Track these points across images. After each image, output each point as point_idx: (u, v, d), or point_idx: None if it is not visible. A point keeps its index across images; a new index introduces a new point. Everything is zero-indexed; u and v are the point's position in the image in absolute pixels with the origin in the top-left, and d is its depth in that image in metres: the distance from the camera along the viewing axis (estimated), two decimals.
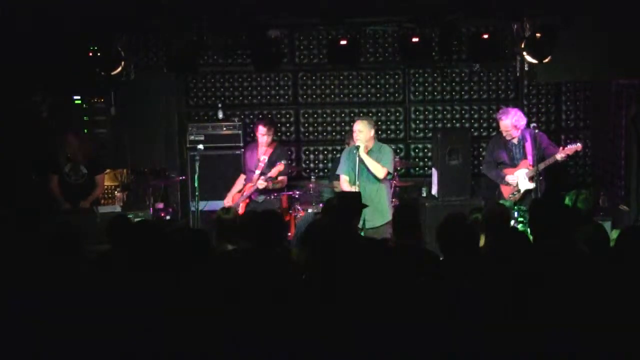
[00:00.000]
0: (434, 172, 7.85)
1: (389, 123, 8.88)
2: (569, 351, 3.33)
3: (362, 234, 6.16)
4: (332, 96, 8.88)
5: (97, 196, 7.58)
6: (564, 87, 8.66)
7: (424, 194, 8.11)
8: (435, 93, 8.83)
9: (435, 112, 8.86)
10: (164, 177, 8.49)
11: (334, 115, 8.92)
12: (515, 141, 7.41)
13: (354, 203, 5.45)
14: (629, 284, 3.66)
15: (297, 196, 8.02)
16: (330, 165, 8.67)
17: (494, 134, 8.31)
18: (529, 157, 7.26)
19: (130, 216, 6.35)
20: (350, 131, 7.41)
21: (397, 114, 8.89)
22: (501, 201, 7.18)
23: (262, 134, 7.54)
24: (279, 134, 8.59)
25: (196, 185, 7.39)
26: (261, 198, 7.54)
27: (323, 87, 8.87)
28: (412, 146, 8.92)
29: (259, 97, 8.90)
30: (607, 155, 8.23)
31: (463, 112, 8.84)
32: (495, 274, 3.88)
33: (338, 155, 7.96)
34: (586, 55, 7.14)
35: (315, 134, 8.95)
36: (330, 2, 7.10)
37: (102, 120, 8.33)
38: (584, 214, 7.18)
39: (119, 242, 4.67)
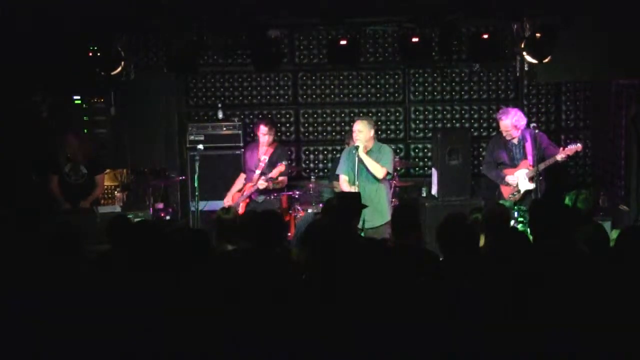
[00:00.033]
0: (434, 172, 7.85)
1: (389, 123, 8.88)
2: (569, 351, 3.33)
3: (362, 234, 6.16)
4: (332, 96, 8.88)
5: (97, 196, 7.58)
6: (564, 87, 8.66)
7: (424, 194, 8.11)
8: (435, 93, 8.83)
9: (435, 112, 8.86)
10: (164, 177, 8.49)
11: (334, 115, 8.92)
12: (515, 141, 7.41)
13: (353, 203, 5.45)
14: (629, 284, 3.66)
15: (297, 196, 8.02)
16: (330, 165, 8.67)
17: (494, 134, 8.30)
18: (529, 157, 7.26)
19: (130, 216, 6.35)
20: (350, 131, 7.41)
21: (397, 114, 8.89)
22: (501, 201, 7.19)
23: (264, 134, 7.53)
24: (278, 134, 8.59)
25: (196, 185, 7.39)
26: (261, 198, 7.54)
27: (323, 87, 8.87)
28: (412, 146, 8.92)
29: (259, 97, 8.90)
30: (607, 155, 8.23)
31: (463, 112, 8.84)
32: (495, 274, 3.88)
33: (338, 155, 7.96)
34: (586, 55, 7.14)
35: (315, 134, 8.95)
36: (330, 2, 7.10)
37: (102, 120, 8.33)
38: (584, 214, 7.17)
39: (119, 242, 4.67)
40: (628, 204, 7.52)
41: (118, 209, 7.42)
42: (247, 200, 7.53)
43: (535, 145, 7.08)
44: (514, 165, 7.41)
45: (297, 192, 8.04)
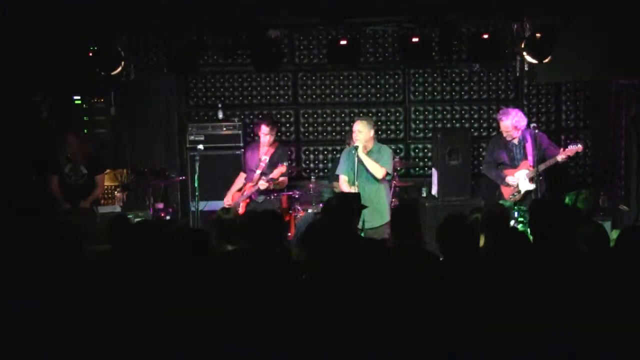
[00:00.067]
0: (434, 172, 7.85)
1: (389, 123, 8.88)
2: (569, 351, 3.34)
3: (362, 234, 6.16)
4: (332, 96, 8.88)
5: (97, 196, 7.58)
6: (564, 87, 8.66)
7: (424, 194, 8.11)
8: (435, 93, 8.83)
9: (435, 112, 8.86)
10: (164, 177, 8.49)
11: (334, 115, 8.92)
12: (515, 142, 7.40)
13: (353, 204, 5.45)
14: (629, 284, 3.66)
15: (297, 196, 8.02)
16: (330, 165, 8.67)
17: (494, 134, 8.30)
18: (530, 157, 7.25)
19: (130, 216, 6.36)
20: (350, 131, 7.41)
21: (397, 114, 8.89)
22: (501, 201, 7.18)
23: (265, 134, 7.53)
24: (279, 134, 8.59)
25: (196, 185, 7.39)
26: (261, 198, 7.53)
27: (323, 87, 8.87)
28: (412, 146, 8.92)
29: (259, 97, 8.90)
30: (607, 155, 8.24)
31: (463, 112, 8.84)
32: (495, 274, 3.88)
33: (338, 156, 7.96)
34: (586, 55, 7.14)
35: (315, 134, 8.95)
36: (330, 2, 7.10)
37: (102, 120, 8.33)
38: (584, 214, 7.18)
39: (119, 242, 4.67)
40: (628, 204, 7.53)
41: (118, 209, 7.42)
42: (247, 200, 7.53)
43: (536, 146, 7.07)
44: (514, 165, 7.40)
45: (297, 192, 8.04)
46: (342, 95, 8.88)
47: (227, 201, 7.53)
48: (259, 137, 7.66)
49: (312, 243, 4.18)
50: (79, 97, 8.29)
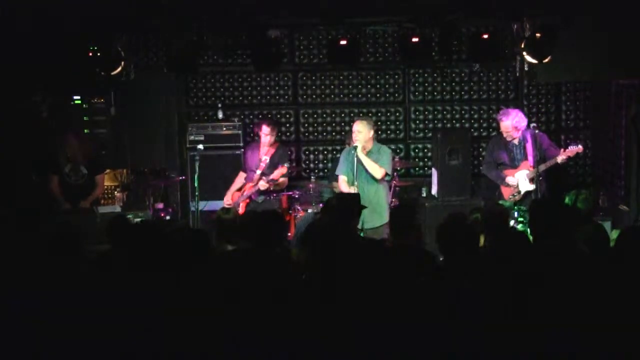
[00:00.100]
0: (434, 172, 7.85)
1: (389, 123, 8.88)
2: (569, 351, 3.34)
3: (361, 234, 6.15)
4: (332, 96, 8.88)
5: (97, 196, 7.58)
6: (564, 87, 8.65)
7: (424, 194, 8.11)
8: (435, 93, 8.83)
9: (435, 112, 8.86)
10: (164, 177, 8.49)
11: (334, 115, 8.91)
12: (516, 142, 7.39)
13: (353, 204, 5.45)
14: (629, 284, 3.66)
15: (297, 196, 8.02)
16: (330, 165, 8.67)
17: (494, 134, 8.30)
18: (530, 158, 7.24)
19: (130, 216, 6.36)
20: (350, 131, 7.41)
21: (397, 114, 8.89)
22: (501, 201, 7.18)
23: (266, 134, 7.52)
24: (279, 134, 8.59)
25: (196, 185, 7.39)
26: (261, 198, 7.53)
27: (323, 87, 8.87)
28: (412, 146, 8.92)
29: (259, 97, 8.90)
30: (607, 155, 8.24)
31: (463, 112, 8.83)
32: (495, 274, 3.88)
33: (338, 156, 7.95)
34: (586, 55, 7.14)
35: (315, 134, 8.95)
36: (330, 2, 7.10)
37: (102, 120, 8.32)
38: (584, 214, 7.17)
39: (119, 242, 4.67)
40: (628, 204, 7.53)
41: (118, 209, 7.42)
42: (247, 200, 7.53)
43: (536, 146, 7.07)
44: (514, 166, 7.40)
45: (297, 192, 8.04)
46: (342, 95, 8.88)
47: (227, 201, 7.53)
48: (259, 137, 7.65)
49: (312, 243, 4.19)
50: (79, 97, 8.28)
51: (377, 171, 6.91)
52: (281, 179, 7.46)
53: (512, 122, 7.28)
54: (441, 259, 4.44)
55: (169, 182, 8.40)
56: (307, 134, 8.95)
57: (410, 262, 4.33)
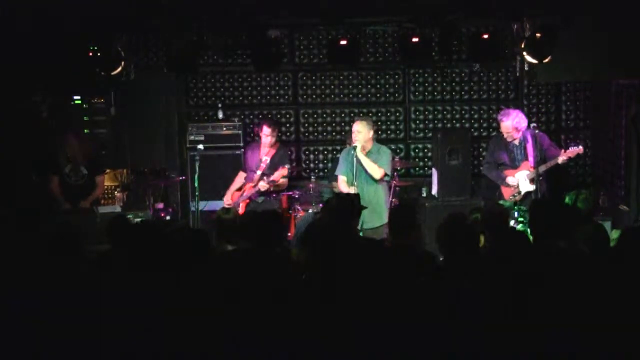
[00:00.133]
0: (434, 172, 7.85)
1: (389, 123, 8.87)
2: (569, 351, 3.34)
3: (360, 234, 6.15)
4: (332, 96, 8.88)
5: (97, 196, 7.58)
6: (564, 87, 8.65)
7: (424, 194, 8.11)
8: (435, 93, 8.83)
9: (435, 112, 8.86)
10: (164, 177, 8.49)
11: (334, 115, 8.91)
12: (516, 142, 7.39)
13: (353, 205, 5.45)
14: (629, 284, 3.66)
15: (297, 196, 8.01)
16: (330, 165, 8.67)
17: (494, 134, 8.30)
18: (530, 158, 7.23)
19: (130, 216, 6.36)
20: (350, 131, 7.40)
21: (397, 114, 8.89)
22: (501, 202, 7.18)
23: (266, 135, 7.51)
24: (279, 134, 8.58)
25: (196, 185, 7.39)
26: (261, 198, 7.52)
27: (323, 87, 8.87)
28: (412, 146, 8.92)
29: (259, 97, 8.89)
30: (607, 155, 8.23)
31: (463, 112, 8.83)
32: (495, 274, 3.88)
33: (338, 155, 7.95)
34: (586, 55, 7.14)
35: (315, 134, 8.95)
36: (330, 2, 7.10)
37: (102, 120, 8.32)
38: (584, 214, 7.17)
39: (119, 242, 4.67)
40: (628, 204, 7.52)
41: (118, 209, 7.41)
42: (247, 200, 7.52)
43: (536, 146, 7.06)
44: (514, 166, 7.39)
45: (297, 192, 8.03)
46: (342, 95, 8.88)
47: (227, 200, 7.52)
48: (259, 136, 7.65)
49: (312, 243, 4.19)
50: (79, 97, 8.28)
51: (376, 171, 6.90)
52: (281, 180, 7.45)
53: (513, 123, 7.28)
54: (441, 259, 4.44)
55: (169, 182, 8.40)
56: (307, 134, 8.95)
57: (410, 262, 4.33)
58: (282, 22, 7.77)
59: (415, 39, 7.34)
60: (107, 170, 8.07)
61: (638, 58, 6.93)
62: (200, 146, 7.73)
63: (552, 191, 7.45)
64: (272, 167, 7.40)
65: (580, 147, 7.21)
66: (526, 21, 7.21)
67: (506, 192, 7.39)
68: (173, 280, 3.84)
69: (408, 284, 3.80)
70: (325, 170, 8.77)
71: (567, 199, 7.44)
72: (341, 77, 8.84)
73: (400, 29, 7.68)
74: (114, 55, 7.43)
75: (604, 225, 6.09)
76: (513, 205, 7.03)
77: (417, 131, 8.90)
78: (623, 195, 7.72)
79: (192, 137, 8.37)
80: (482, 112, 8.83)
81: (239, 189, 7.64)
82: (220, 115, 8.67)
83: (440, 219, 4.49)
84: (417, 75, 8.81)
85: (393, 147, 8.43)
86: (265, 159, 7.43)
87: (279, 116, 8.87)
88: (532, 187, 7.15)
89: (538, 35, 7.05)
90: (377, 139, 7.42)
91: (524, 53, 7.22)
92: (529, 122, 7.59)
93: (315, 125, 8.93)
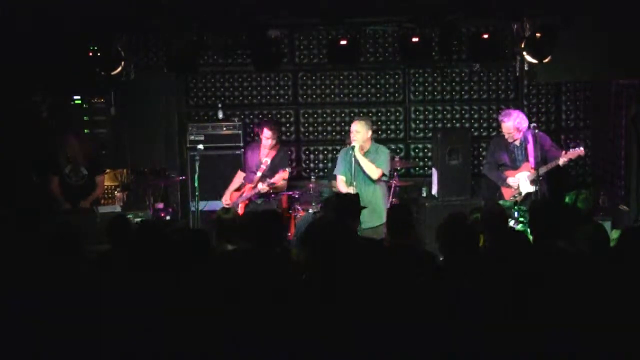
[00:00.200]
0: (434, 172, 7.85)
1: (389, 123, 8.87)
2: (569, 351, 3.34)
3: (359, 234, 6.15)
4: (332, 96, 8.87)
5: (97, 196, 7.58)
6: (564, 87, 8.65)
7: (424, 194, 8.11)
8: (435, 93, 8.83)
9: (435, 112, 8.85)
10: (164, 177, 8.48)
11: (334, 115, 8.91)
12: (517, 143, 7.38)
13: (352, 205, 5.45)
14: (629, 284, 3.66)
15: (297, 196, 8.01)
16: (330, 165, 8.67)
17: (494, 134, 8.30)
18: (531, 159, 7.21)
19: (130, 216, 6.36)
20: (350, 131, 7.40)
21: (397, 114, 8.89)
22: (501, 202, 7.17)
23: (267, 137, 7.49)
24: (279, 135, 8.58)
25: (196, 185, 7.39)
26: (260, 200, 7.51)
27: (323, 87, 8.86)
28: (412, 146, 8.92)
29: (259, 97, 8.89)
30: (607, 155, 8.23)
31: (463, 112, 8.83)
32: (495, 274, 3.88)
33: (337, 155, 7.95)
34: (586, 55, 7.14)
35: (315, 134, 8.95)
36: (330, 2, 7.10)
37: (102, 120, 8.32)
38: (584, 214, 7.18)
39: (119, 242, 4.67)
40: (628, 204, 7.52)
41: (118, 209, 7.41)
42: (246, 201, 7.52)
43: (537, 147, 7.05)
44: (515, 167, 7.39)
45: (297, 192, 8.03)
46: (342, 95, 8.87)
47: (225, 200, 7.51)
48: (259, 137, 7.65)
49: (312, 243, 4.18)
50: (79, 97, 8.28)
51: (374, 171, 6.90)
52: (281, 183, 7.44)
53: (514, 123, 7.27)
54: (441, 259, 4.44)
55: (169, 182, 8.40)
56: (307, 134, 8.95)
57: (410, 262, 4.33)
58: (282, 22, 7.77)
59: (415, 39, 7.34)
60: (107, 170, 8.07)
61: (638, 58, 6.93)
62: (200, 146, 7.73)
63: (552, 192, 7.45)
64: (272, 169, 7.39)
65: (582, 148, 7.20)
66: (526, 21, 7.20)
67: (507, 193, 7.39)
68: (173, 280, 3.84)
69: (408, 284, 3.80)
70: (325, 170, 8.77)
71: (567, 199, 7.45)
72: (341, 77, 8.84)
73: (400, 29, 7.68)
74: (114, 55, 7.42)
75: (604, 225, 6.09)
76: (513, 205, 7.02)
77: (417, 131, 8.89)
78: (623, 195, 7.72)
79: (192, 137, 8.37)
80: (482, 112, 8.82)
81: (238, 189, 7.64)
82: (220, 115, 8.67)
83: (440, 219, 4.50)
84: (417, 75, 8.80)
85: (393, 147, 8.43)
86: (266, 161, 7.42)
87: (279, 116, 8.87)
88: (532, 188, 7.13)
89: (538, 35, 7.04)
90: (377, 139, 7.42)
91: (524, 53, 7.21)
92: (529, 122, 7.59)
93: (315, 125, 8.93)
